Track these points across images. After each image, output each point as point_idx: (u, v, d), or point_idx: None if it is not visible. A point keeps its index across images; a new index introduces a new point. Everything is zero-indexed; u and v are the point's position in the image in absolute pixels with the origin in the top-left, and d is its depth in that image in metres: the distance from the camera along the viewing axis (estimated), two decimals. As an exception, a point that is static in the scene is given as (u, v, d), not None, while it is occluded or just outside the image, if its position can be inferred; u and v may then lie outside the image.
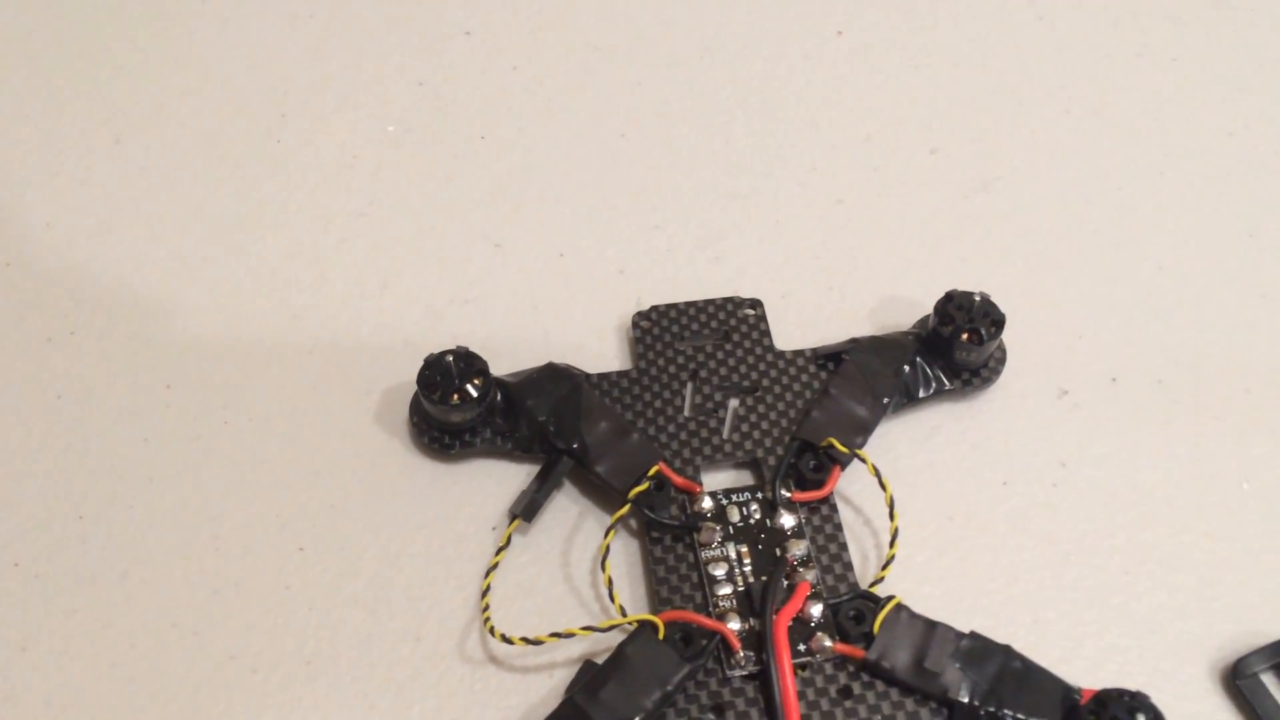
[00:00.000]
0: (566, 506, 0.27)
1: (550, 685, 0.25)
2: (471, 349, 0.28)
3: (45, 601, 0.26)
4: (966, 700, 0.23)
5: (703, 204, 0.33)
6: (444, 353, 0.27)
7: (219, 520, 0.27)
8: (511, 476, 0.28)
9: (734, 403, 0.28)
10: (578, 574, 0.26)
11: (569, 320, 0.31)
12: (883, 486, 0.26)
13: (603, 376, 0.28)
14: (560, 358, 0.29)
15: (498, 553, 0.26)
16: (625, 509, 0.25)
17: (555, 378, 0.28)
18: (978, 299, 0.28)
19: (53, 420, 0.28)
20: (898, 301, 0.31)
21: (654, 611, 0.25)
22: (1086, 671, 0.25)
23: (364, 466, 0.28)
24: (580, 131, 0.35)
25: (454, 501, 0.27)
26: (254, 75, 0.36)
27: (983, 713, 0.23)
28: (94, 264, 0.31)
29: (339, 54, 0.36)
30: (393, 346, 0.30)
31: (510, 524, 0.26)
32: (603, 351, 0.30)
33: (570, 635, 0.24)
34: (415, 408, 0.28)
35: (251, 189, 0.33)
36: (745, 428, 0.28)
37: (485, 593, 0.25)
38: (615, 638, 0.25)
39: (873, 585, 0.25)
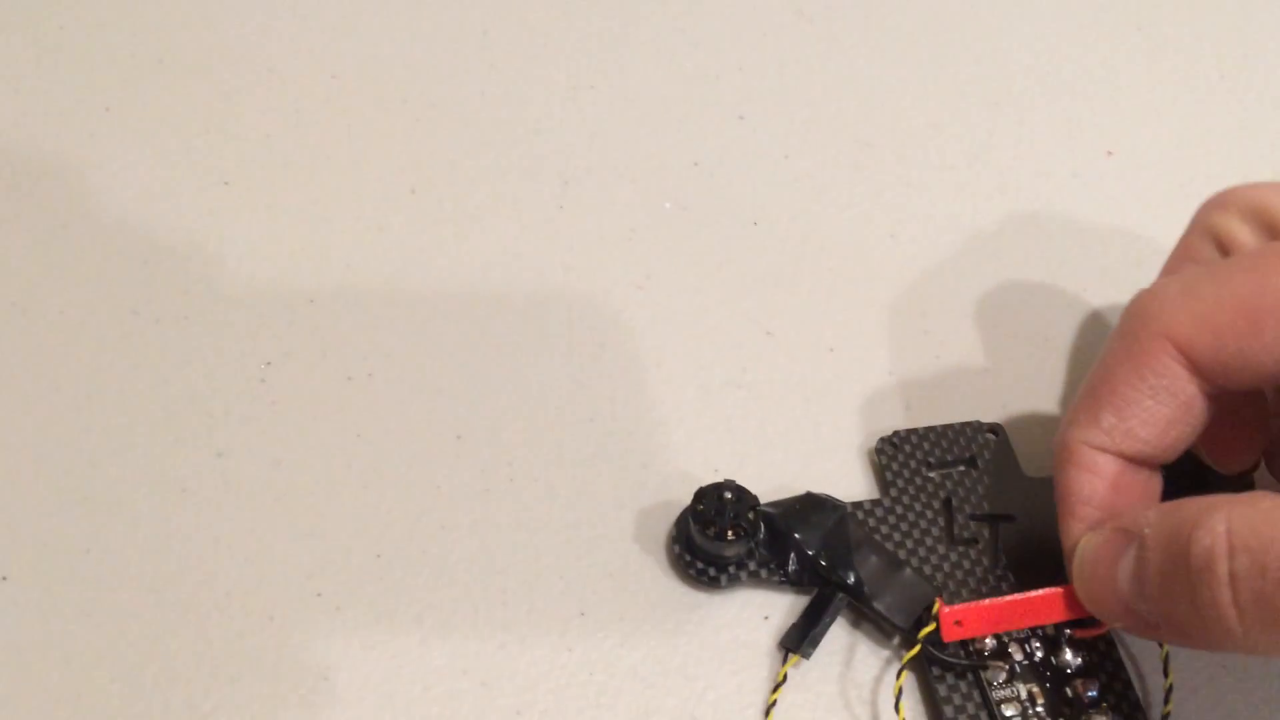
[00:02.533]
0: (834, 635, 0.28)
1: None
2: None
3: (346, 633, 0.27)
4: None
5: (971, 313, 0.34)
6: (715, 486, 0.28)
7: (506, 574, 0.28)
8: (772, 605, 0.28)
9: (990, 532, 0.28)
10: (857, 709, 0.27)
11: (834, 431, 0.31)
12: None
13: (856, 505, 0.29)
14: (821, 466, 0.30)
15: (775, 689, 0.27)
16: (916, 649, 0.26)
17: (819, 508, 0.28)
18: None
19: (352, 458, 0.30)
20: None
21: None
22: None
23: (629, 585, 0.28)
24: (848, 226, 0.36)
25: (715, 630, 0.28)
26: (538, 140, 0.37)
27: None
28: (387, 314, 0.33)
29: (619, 127, 0.38)
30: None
31: (786, 660, 0.27)
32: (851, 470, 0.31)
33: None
34: (681, 538, 0.28)
35: (536, 252, 0.35)
36: (1006, 560, 0.28)
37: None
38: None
39: (1162, 721, 0.25)
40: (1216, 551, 0.21)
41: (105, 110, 0.37)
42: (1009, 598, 0.25)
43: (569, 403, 0.31)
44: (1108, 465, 0.25)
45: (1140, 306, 0.24)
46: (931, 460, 0.29)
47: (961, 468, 0.29)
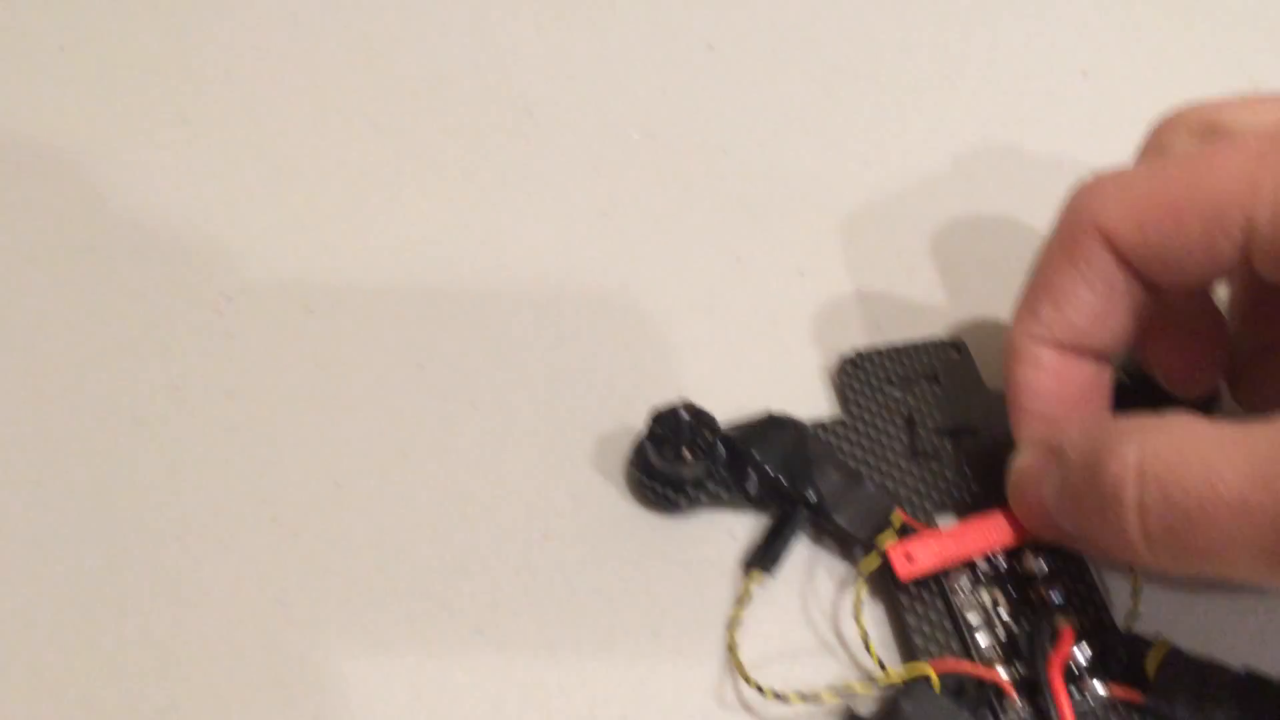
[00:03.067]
0: (797, 552, 0.27)
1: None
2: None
3: (301, 560, 0.27)
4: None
5: (943, 235, 0.33)
6: (672, 408, 0.27)
7: (468, 498, 0.28)
8: (739, 522, 0.27)
9: (953, 444, 0.28)
10: (819, 623, 0.26)
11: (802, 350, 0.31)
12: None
13: (819, 425, 0.28)
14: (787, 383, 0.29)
15: (739, 606, 0.26)
16: (877, 561, 0.25)
17: (778, 428, 0.27)
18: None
19: (312, 388, 0.30)
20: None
21: (908, 661, 0.25)
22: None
23: (592, 506, 0.28)
24: (819, 151, 0.35)
25: (679, 550, 0.27)
26: (504, 70, 0.37)
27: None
28: (347, 245, 0.32)
29: (585, 55, 0.37)
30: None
31: (748, 577, 0.26)
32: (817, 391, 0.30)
33: (852, 693, 0.24)
34: (639, 461, 0.27)
35: (500, 182, 0.34)
36: (968, 471, 0.27)
37: (733, 648, 0.25)
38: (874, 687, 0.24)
39: (1128, 623, 0.25)
40: (1125, 480, 0.21)
41: (59, 50, 0.36)
42: (957, 524, 0.25)
43: (533, 328, 0.31)
44: (1049, 357, 0.24)
45: (1076, 198, 0.24)
46: (894, 378, 0.29)
47: (924, 384, 0.29)
